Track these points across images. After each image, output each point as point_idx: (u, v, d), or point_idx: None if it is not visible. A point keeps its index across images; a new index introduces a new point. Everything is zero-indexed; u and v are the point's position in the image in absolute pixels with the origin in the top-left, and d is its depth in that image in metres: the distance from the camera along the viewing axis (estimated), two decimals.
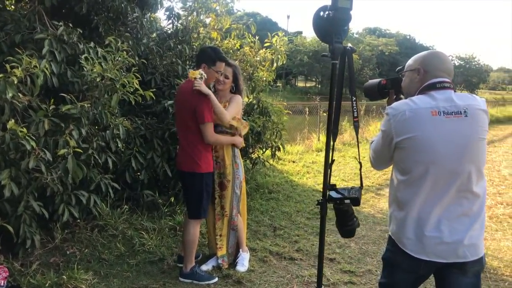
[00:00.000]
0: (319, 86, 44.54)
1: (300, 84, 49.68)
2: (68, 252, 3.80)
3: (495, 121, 21.98)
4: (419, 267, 2.00)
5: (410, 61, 2.11)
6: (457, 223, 1.94)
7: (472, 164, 1.93)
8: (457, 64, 46.78)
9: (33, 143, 3.24)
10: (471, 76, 45.55)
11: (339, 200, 1.86)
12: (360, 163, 2.01)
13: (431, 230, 1.92)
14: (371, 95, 2.29)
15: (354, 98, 1.91)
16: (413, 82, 2.06)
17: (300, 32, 50.57)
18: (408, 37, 62.10)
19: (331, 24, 1.74)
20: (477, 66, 48.05)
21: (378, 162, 2.11)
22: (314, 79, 47.82)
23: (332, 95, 1.77)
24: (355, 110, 1.94)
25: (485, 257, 2.06)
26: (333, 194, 1.86)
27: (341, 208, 1.91)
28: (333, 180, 5.49)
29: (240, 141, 3.64)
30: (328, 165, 1.80)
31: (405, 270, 2.05)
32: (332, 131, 1.78)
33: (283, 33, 6.18)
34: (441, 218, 1.93)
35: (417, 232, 1.95)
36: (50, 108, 3.51)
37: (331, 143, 1.87)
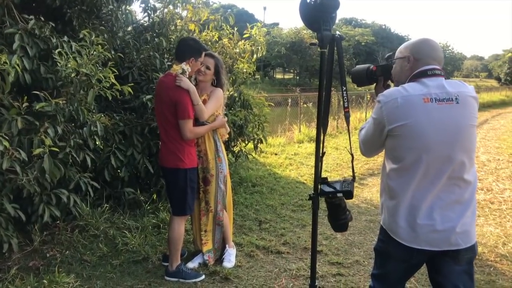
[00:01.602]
0: (297, 77, 44.58)
1: (279, 76, 49.62)
2: (48, 255, 3.66)
3: None
4: (412, 256, 1.98)
5: (400, 48, 2.08)
6: (449, 210, 1.92)
7: (464, 151, 1.91)
8: None
9: (6, 143, 3.10)
10: (445, 64, 45.87)
11: (331, 194, 1.80)
12: (352, 155, 1.96)
13: (423, 218, 1.90)
14: (358, 81, 2.25)
15: (344, 88, 1.85)
16: (403, 70, 2.04)
17: (277, 24, 50.58)
18: (383, 26, 62.71)
19: (319, 11, 1.66)
20: (451, 54, 48.81)
21: (369, 149, 2.08)
22: (292, 71, 47.83)
23: (321, 85, 1.70)
24: (345, 101, 1.88)
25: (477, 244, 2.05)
26: (324, 187, 1.80)
27: (333, 202, 1.86)
28: None
29: (220, 123, 3.51)
30: (319, 158, 1.73)
31: (398, 260, 2.03)
32: (322, 123, 1.72)
33: (268, 25, 6.09)
34: (433, 206, 1.91)
35: (409, 220, 1.92)
36: (23, 106, 3.36)
37: (322, 135, 1.80)
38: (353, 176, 1.90)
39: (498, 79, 57.17)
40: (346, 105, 1.90)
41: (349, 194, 1.80)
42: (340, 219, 1.93)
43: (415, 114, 1.83)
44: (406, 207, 1.92)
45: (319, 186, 1.79)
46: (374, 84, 2.22)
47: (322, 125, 1.72)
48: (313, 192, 1.78)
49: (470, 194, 1.98)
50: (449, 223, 1.91)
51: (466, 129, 1.91)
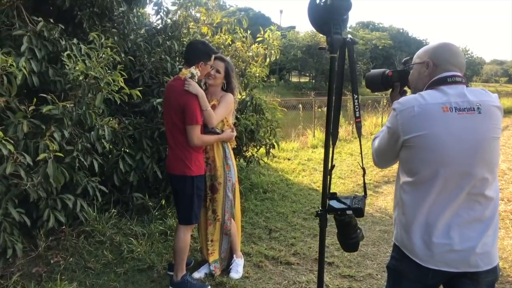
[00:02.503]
0: (313, 81, 44.33)
1: (294, 79, 49.41)
2: (52, 261, 3.59)
3: None
4: (427, 277, 1.83)
5: (419, 53, 1.94)
6: (468, 229, 1.78)
7: (486, 166, 1.76)
8: None
9: (11, 147, 3.04)
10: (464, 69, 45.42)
11: (340, 211, 1.67)
12: (363, 169, 1.82)
13: (439, 236, 1.76)
14: (373, 86, 2.11)
15: (356, 96, 1.71)
16: (421, 76, 1.90)
17: (293, 27, 50.41)
18: (401, 30, 61.96)
19: (329, 13, 1.53)
20: (470, 59, 47.99)
21: (382, 160, 1.93)
22: (308, 74, 47.58)
23: (330, 93, 1.57)
24: (357, 110, 1.74)
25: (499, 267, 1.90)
26: (333, 203, 1.67)
27: (343, 220, 1.73)
28: None
29: (228, 136, 3.42)
30: (327, 171, 1.60)
31: (412, 280, 1.88)
32: (332, 133, 1.59)
33: (276, 28, 5.98)
34: (451, 224, 1.76)
35: (424, 238, 1.78)
36: (30, 109, 3.30)
37: (331, 146, 1.67)
38: (365, 193, 1.76)
39: None
40: (358, 115, 1.76)
41: (360, 212, 1.67)
42: (350, 238, 1.80)
43: (433, 124, 1.69)
44: (421, 224, 1.78)
45: (327, 202, 1.66)
46: (390, 90, 2.09)
47: (332, 136, 1.58)
48: (320, 208, 1.65)
49: (491, 211, 1.82)
50: (468, 243, 1.77)
51: (489, 142, 1.75)
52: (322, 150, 7.85)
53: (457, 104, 1.72)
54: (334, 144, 1.61)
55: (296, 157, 8.62)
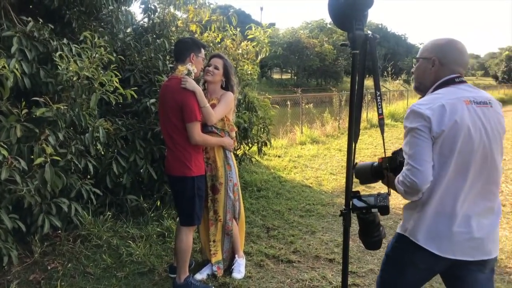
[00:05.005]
0: (295, 78, 44.44)
1: (276, 76, 49.46)
2: (49, 268, 3.49)
3: None
4: (438, 265, 1.84)
5: (426, 46, 1.95)
6: (484, 218, 1.82)
7: (500, 155, 1.83)
8: None
9: (5, 152, 2.95)
10: None
11: (365, 209, 1.64)
12: (388, 166, 1.79)
13: (459, 225, 1.77)
14: (363, 179, 2.04)
15: (379, 93, 1.69)
16: (426, 72, 1.92)
17: (273, 24, 50.29)
18: (380, 26, 62.58)
19: (351, 9, 1.50)
20: None
21: (425, 168, 1.74)
22: (289, 71, 47.67)
23: (353, 90, 1.55)
24: (379, 107, 1.72)
25: None
26: (357, 202, 1.64)
27: (366, 218, 1.70)
28: (320, 174, 5.28)
29: (229, 142, 3.39)
30: (350, 169, 1.58)
31: (421, 269, 1.89)
32: (354, 131, 1.56)
33: (266, 25, 5.94)
34: (470, 213, 1.79)
35: (441, 227, 1.79)
36: (23, 113, 3.21)
37: (353, 144, 1.64)
38: (389, 190, 1.74)
39: (495, 77, 57.15)
40: (380, 112, 1.73)
41: (386, 210, 1.64)
42: (373, 236, 1.78)
43: (460, 114, 1.72)
44: (440, 214, 1.78)
45: (350, 201, 1.63)
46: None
47: (354, 134, 1.56)
48: (344, 207, 1.62)
49: (499, 202, 1.89)
50: (484, 231, 1.81)
51: (499, 133, 1.82)
52: (311, 147, 7.90)
53: (474, 98, 1.77)
54: (355, 141, 1.59)
55: (286, 154, 8.61)
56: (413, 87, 2.05)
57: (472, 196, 1.78)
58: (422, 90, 1.97)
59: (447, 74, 1.86)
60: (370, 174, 2.00)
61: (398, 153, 1.90)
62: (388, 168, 1.89)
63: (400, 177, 1.77)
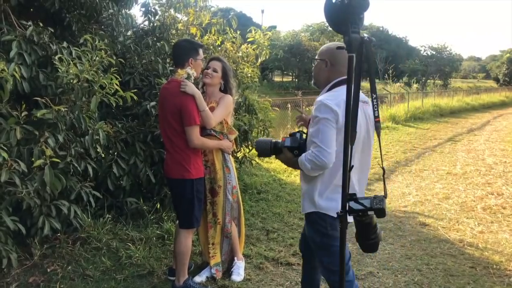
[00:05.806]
0: (296, 80, 44.45)
1: (277, 78, 49.48)
2: (48, 270, 3.50)
3: (471, 110, 22.27)
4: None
5: (322, 50, 2.38)
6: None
7: (372, 139, 2.34)
8: (429, 54, 47.20)
9: (5, 154, 2.96)
10: (443, 66, 45.86)
11: (361, 211, 1.65)
12: (383, 168, 1.80)
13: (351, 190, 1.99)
14: (262, 153, 2.49)
15: (375, 96, 1.70)
16: (321, 71, 2.35)
17: (274, 27, 50.43)
18: (381, 28, 62.57)
19: (346, 12, 1.51)
20: (449, 55, 48.52)
21: (332, 150, 2.11)
22: (290, 74, 47.70)
23: (349, 94, 1.55)
24: (375, 109, 1.73)
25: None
26: (353, 205, 1.65)
27: (363, 221, 1.71)
28: None
29: (228, 145, 3.40)
30: (347, 172, 1.59)
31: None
32: (350, 134, 1.57)
33: (266, 28, 5.95)
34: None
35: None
36: (22, 115, 3.22)
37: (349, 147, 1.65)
38: (385, 193, 1.75)
39: (497, 80, 56.98)
40: (376, 114, 1.75)
41: (382, 212, 1.65)
42: (370, 239, 1.79)
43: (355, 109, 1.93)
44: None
45: (347, 204, 1.64)
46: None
47: (350, 137, 1.57)
48: (341, 210, 1.63)
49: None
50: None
51: (373, 125, 2.26)
52: None
53: (361, 98, 2.06)
54: (352, 144, 1.60)
55: None
56: (312, 83, 2.54)
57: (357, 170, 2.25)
58: (318, 86, 2.41)
59: (338, 75, 2.26)
60: (269, 150, 2.42)
61: (295, 134, 2.35)
62: (288, 147, 2.32)
63: (308, 156, 2.13)
